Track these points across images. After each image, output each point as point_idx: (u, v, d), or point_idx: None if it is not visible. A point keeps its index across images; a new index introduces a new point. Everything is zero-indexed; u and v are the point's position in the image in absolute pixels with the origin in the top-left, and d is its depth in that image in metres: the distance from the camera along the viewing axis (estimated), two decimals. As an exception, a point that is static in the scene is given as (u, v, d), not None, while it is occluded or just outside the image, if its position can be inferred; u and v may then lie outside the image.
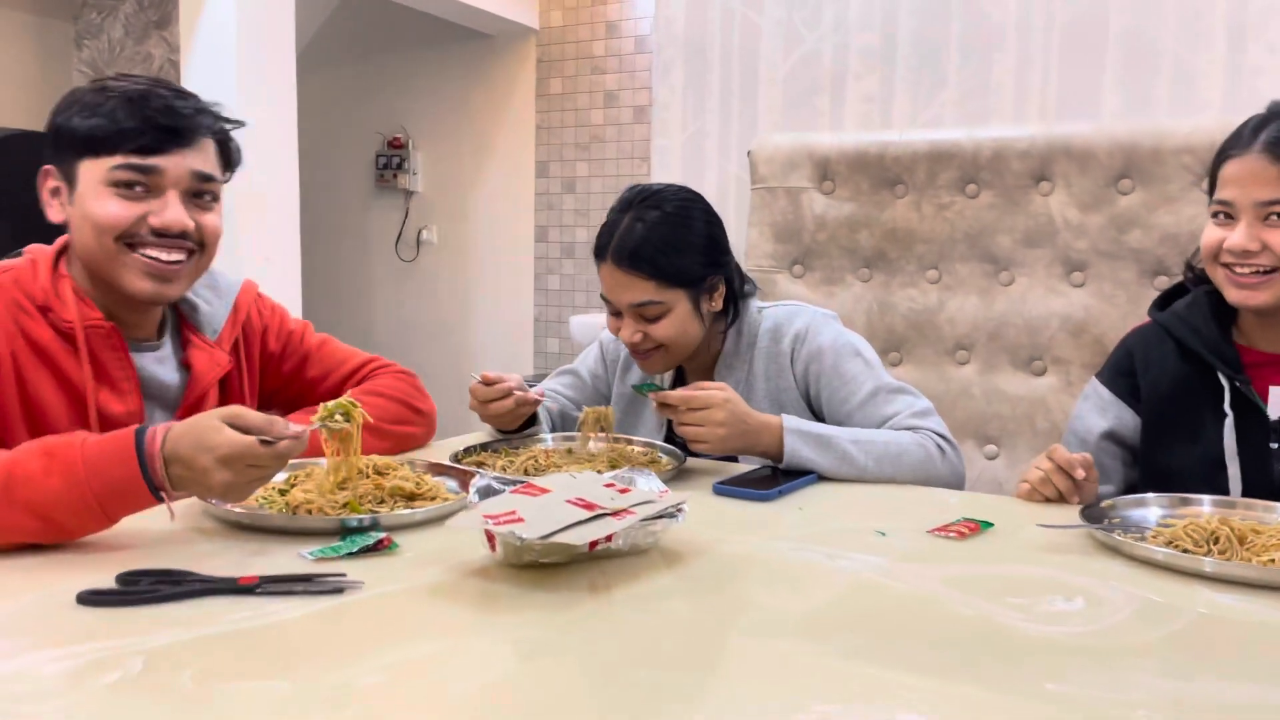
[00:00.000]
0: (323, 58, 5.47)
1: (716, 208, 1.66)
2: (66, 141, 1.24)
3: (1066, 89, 2.17)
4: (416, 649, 0.81)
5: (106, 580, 0.91)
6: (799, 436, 1.42)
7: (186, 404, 1.36)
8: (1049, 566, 1.06)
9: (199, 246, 1.28)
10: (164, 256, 1.24)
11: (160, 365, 1.35)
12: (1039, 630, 0.87)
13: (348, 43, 5.47)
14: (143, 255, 1.23)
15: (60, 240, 1.32)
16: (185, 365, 1.37)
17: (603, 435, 1.54)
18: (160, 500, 1.02)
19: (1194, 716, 0.72)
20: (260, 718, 0.69)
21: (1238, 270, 1.31)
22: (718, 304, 1.59)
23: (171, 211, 1.23)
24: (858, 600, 0.96)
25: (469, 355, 5.27)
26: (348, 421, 1.13)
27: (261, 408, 1.51)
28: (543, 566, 0.99)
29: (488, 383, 1.53)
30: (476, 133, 5.23)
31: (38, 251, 1.31)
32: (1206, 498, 1.24)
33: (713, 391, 1.40)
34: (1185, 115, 2.06)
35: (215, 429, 0.99)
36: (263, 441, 1.00)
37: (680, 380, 1.70)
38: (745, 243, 2.27)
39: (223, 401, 1.43)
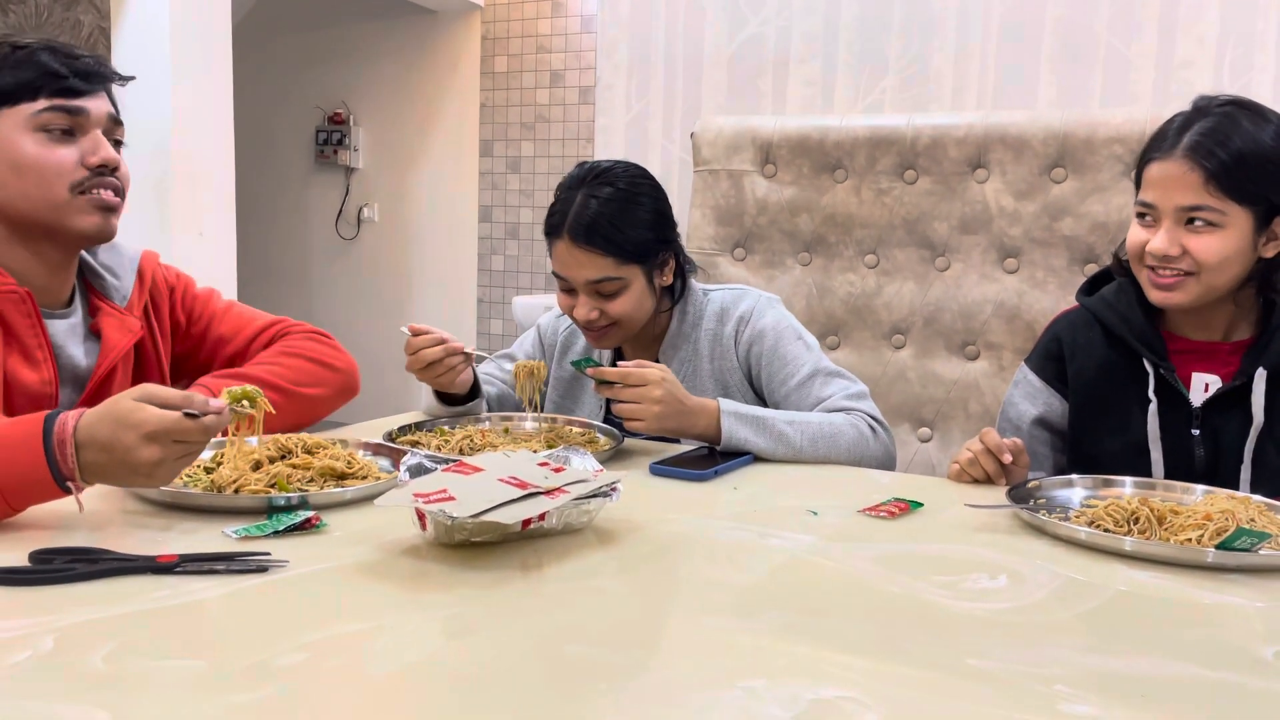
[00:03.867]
0: (262, 29, 5.34)
1: (659, 189, 1.67)
2: None
3: (1004, 77, 2.20)
4: (340, 628, 0.80)
5: (19, 558, 0.88)
6: (735, 418, 1.43)
7: (99, 373, 1.32)
8: (975, 545, 1.08)
9: (123, 191, 1.30)
10: (105, 193, 1.27)
11: (71, 334, 1.32)
12: (963, 607, 0.89)
13: (289, 14, 5.35)
14: (90, 194, 1.25)
15: None
16: (95, 333, 1.35)
17: (534, 410, 1.53)
18: (67, 491, 0.98)
19: (1110, 690, 0.73)
20: (171, 696, 0.67)
21: (1159, 272, 1.33)
22: (668, 278, 1.60)
23: (105, 148, 1.26)
24: (788, 578, 0.97)
25: (410, 336, 5.21)
26: (252, 407, 1.10)
27: (173, 375, 1.49)
28: (474, 545, 0.98)
29: (416, 333, 1.51)
30: (420, 110, 5.15)
31: None
32: (1128, 479, 1.27)
33: (650, 369, 1.40)
34: (1117, 105, 2.10)
35: (136, 407, 0.96)
36: (186, 414, 0.97)
37: (619, 357, 1.70)
38: (687, 225, 2.27)
39: (137, 369, 1.40)
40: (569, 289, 1.56)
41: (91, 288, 1.38)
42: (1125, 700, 0.71)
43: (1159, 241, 1.31)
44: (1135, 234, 1.36)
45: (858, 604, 0.90)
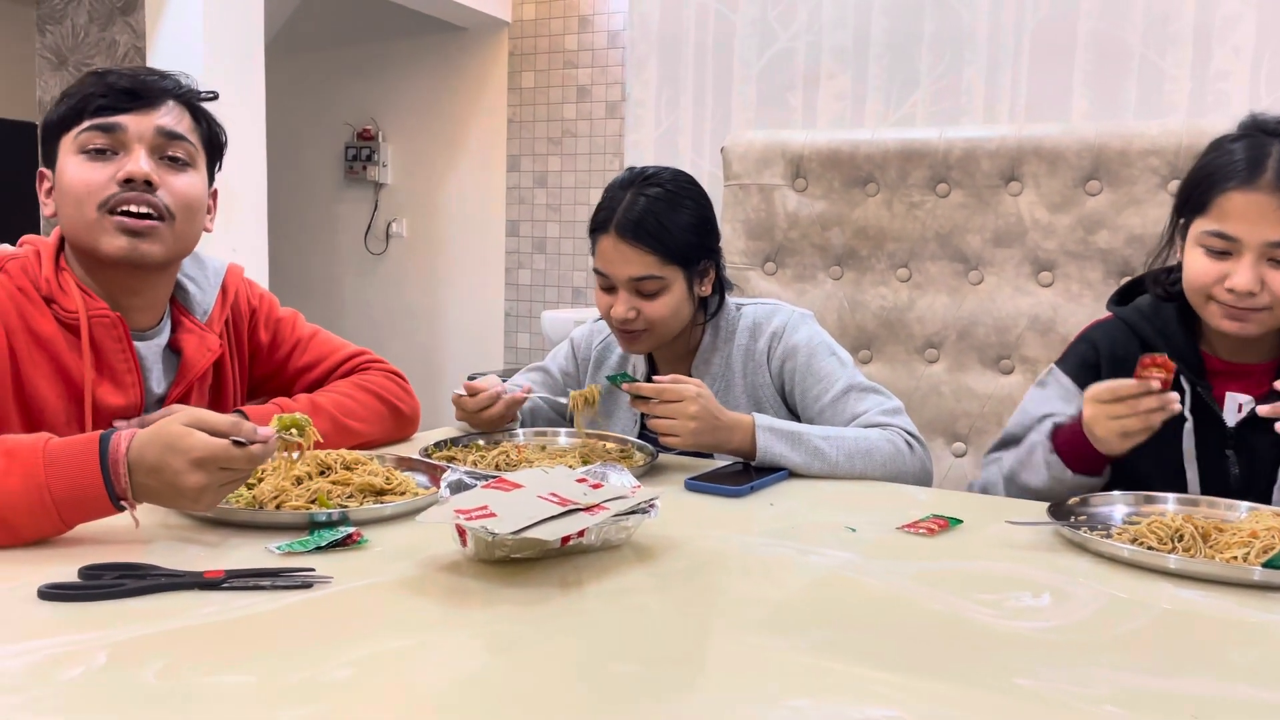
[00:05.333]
0: (292, 47, 5.41)
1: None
2: (47, 134, 1.28)
3: (1036, 90, 2.19)
4: (386, 643, 0.80)
5: (69, 574, 0.89)
6: (771, 433, 1.43)
7: (174, 395, 1.34)
8: (1017, 563, 1.07)
9: (169, 212, 1.27)
10: (134, 209, 1.24)
11: (156, 356, 1.34)
12: (1007, 626, 0.88)
13: (318, 32, 5.41)
14: (117, 214, 1.24)
15: (57, 232, 1.32)
16: (175, 350, 1.35)
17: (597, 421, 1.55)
18: (119, 509, 0.99)
19: (1160, 710, 0.72)
20: (225, 712, 0.67)
21: (1236, 307, 1.27)
22: (708, 289, 1.60)
23: (134, 162, 1.24)
24: (828, 595, 0.97)
25: (438, 350, 5.24)
26: (301, 436, 1.12)
27: (250, 395, 1.50)
28: (514, 562, 0.99)
29: (472, 392, 1.52)
30: (447, 125, 5.19)
31: (39, 242, 1.30)
32: (1171, 496, 1.26)
33: (686, 385, 1.40)
34: (1153, 117, 2.09)
35: (185, 433, 0.97)
36: (234, 443, 0.98)
37: (653, 371, 1.70)
38: (718, 239, 2.27)
39: (214, 388, 1.42)
40: (609, 287, 1.56)
41: (175, 300, 1.38)
42: (1177, 721, 0.71)
43: (1242, 278, 1.24)
44: (1204, 266, 1.28)
45: (900, 622, 0.90)
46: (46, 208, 1.30)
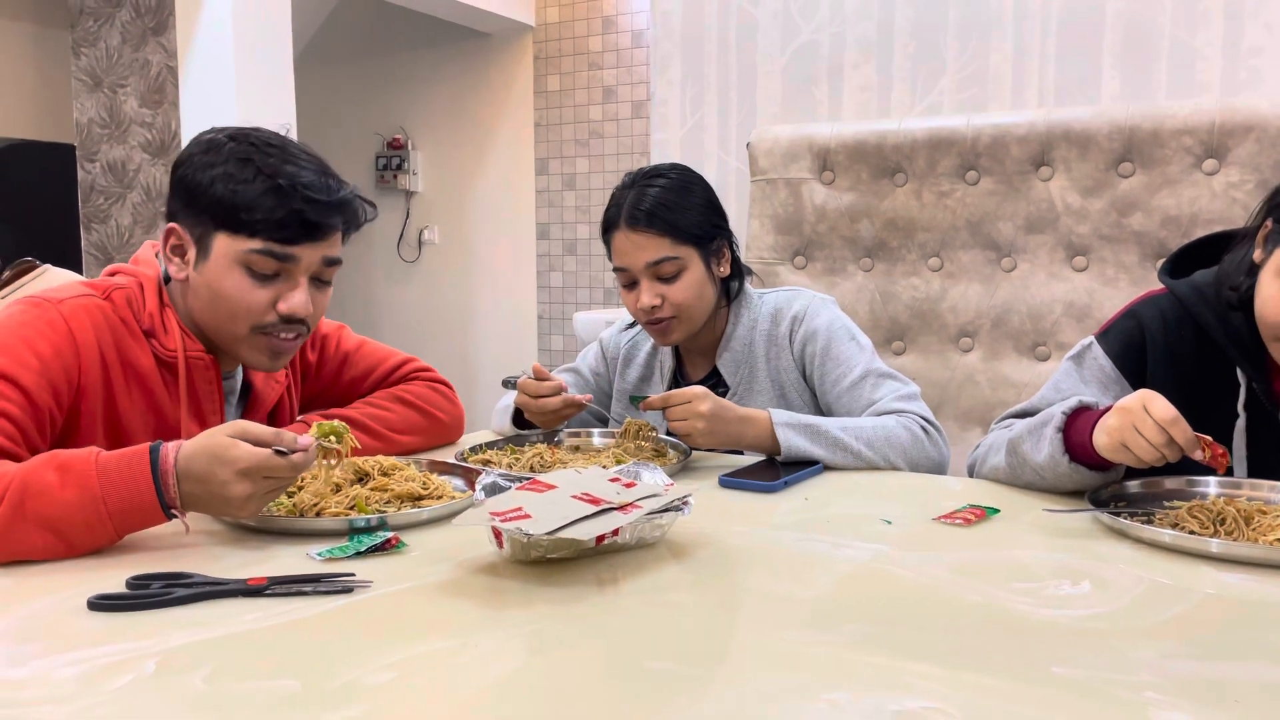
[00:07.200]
0: (321, 59, 5.47)
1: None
2: (204, 206, 1.22)
3: (1065, 73, 2.17)
4: (427, 646, 0.81)
5: (116, 584, 0.92)
6: (790, 429, 1.43)
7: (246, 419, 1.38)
8: (1055, 551, 1.06)
9: (308, 330, 1.31)
10: (285, 336, 1.28)
11: (233, 393, 1.38)
12: (1046, 614, 0.88)
13: (345, 44, 5.47)
14: (268, 337, 1.27)
15: (156, 266, 1.33)
16: (247, 383, 1.40)
17: (643, 446, 1.51)
18: (170, 518, 1.02)
19: (1203, 696, 0.72)
20: (272, 716, 0.69)
21: None
22: (726, 269, 1.63)
23: (299, 297, 1.25)
24: (865, 588, 0.97)
25: (473, 354, 5.27)
26: (339, 443, 1.15)
27: (303, 412, 1.53)
28: (550, 562, 1.00)
29: (540, 377, 1.54)
30: (476, 131, 5.23)
31: (140, 275, 1.32)
32: (1212, 479, 1.23)
33: (693, 388, 1.44)
34: (1185, 96, 2.06)
35: (230, 444, 1.00)
36: (276, 452, 1.01)
37: (680, 365, 1.71)
38: (746, 235, 2.27)
39: (273, 415, 1.46)
40: (630, 282, 1.59)
41: None
42: (1219, 706, 0.70)
43: None
44: None
45: (937, 613, 0.89)
46: (174, 267, 1.28)
